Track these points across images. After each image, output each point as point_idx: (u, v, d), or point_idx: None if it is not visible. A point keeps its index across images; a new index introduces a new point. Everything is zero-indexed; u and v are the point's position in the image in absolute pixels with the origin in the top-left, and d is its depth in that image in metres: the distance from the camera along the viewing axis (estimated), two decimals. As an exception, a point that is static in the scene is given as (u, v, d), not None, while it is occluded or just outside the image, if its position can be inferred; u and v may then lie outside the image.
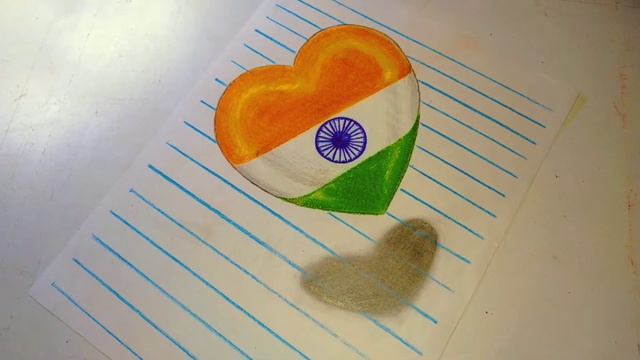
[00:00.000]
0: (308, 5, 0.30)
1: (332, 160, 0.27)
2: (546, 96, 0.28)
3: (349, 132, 0.27)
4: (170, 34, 0.31)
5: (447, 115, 0.28)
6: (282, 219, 0.26)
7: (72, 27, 0.31)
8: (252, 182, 0.27)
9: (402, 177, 0.26)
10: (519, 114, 0.28)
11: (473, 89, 0.28)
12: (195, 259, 0.25)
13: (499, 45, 0.30)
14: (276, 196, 0.26)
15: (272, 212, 0.26)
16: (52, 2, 0.32)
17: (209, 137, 0.28)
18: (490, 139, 0.27)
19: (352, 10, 0.30)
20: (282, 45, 0.30)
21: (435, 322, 0.23)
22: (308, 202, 0.26)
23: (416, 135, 0.27)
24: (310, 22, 0.30)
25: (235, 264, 0.25)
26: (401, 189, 0.26)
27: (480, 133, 0.27)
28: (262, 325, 0.23)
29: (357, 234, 0.25)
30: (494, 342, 0.23)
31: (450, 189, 0.26)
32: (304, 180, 0.26)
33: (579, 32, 0.30)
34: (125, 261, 0.25)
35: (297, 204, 0.26)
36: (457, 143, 0.27)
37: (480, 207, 0.26)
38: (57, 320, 0.24)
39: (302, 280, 0.24)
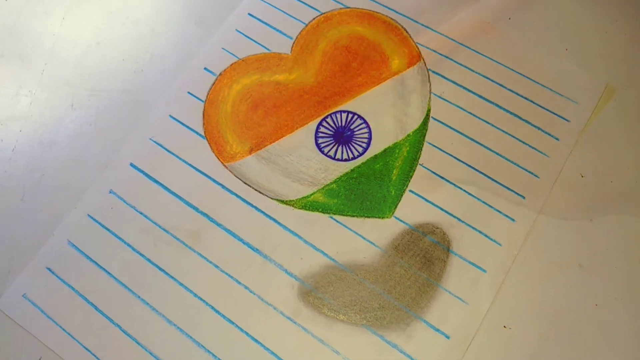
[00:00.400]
0: (307, -14, 0.30)
1: (334, 158, 0.27)
2: (570, 87, 0.28)
3: (352, 127, 0.27)
4: (154, 18, 0.31)
5: (461, 108, 0.28)
6: (278, 223, 0.26)
7: (45, 10, 0.31)
8: (244, 183, 0.27)
9: (411, 176, 0.26)
10: (541, 106, 0.28)
11: (489, 79, 0.28)
12: (182, 267, 0.25)
13: (518, 31, 0.29)
14: (271, 198, 0.26)
15: (267, 216, 0.26)
16: (23, -17, 0.32)
17: (197, 133, 0.28)
18: (508, 134, 0.27)
19: (356, -9, 0.30)
20: (278, 30, 0.30)
21: (447, 337, 0.23)
22: (307, 204, 0.26)
23: (426, 130, 0.27)
24: (309, 5, 0.30)
25: (226, 273, 0.25)
26: (410, 190, 0.26)
27: (498, 128, 0.27)
28: (256, 340, 0.23)
29: (361, 240, 0.25)
30: (512, 359, 0.23)
31: (465, 190, 0.26)
32: (303, 180, 0.26)
33: (606, 16, 0.29)
34: (104, 270, 0.25)
35: (295, 207, 0.26)
36: (471, 139, 0.27)
37: (498, 210, 0.26)
38: (28, 336, 0.24)
39: (300, 291, 0.24)
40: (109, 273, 0.25)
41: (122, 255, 0.25)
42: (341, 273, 0.25)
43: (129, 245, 0.25)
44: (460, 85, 0.28)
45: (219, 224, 0.26)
